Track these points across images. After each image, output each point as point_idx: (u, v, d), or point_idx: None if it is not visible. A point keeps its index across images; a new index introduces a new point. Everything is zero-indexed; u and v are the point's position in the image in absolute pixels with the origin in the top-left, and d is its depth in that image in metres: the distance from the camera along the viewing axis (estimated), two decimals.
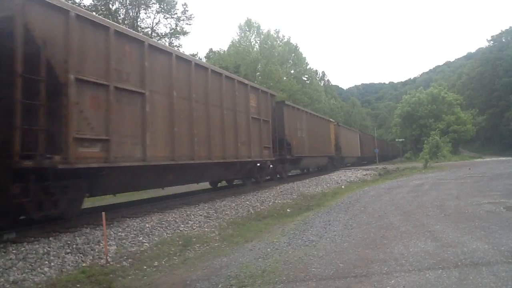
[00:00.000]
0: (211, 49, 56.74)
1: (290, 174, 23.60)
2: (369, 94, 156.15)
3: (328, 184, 18.53)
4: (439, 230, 6.89)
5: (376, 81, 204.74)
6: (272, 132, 16.58)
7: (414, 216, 8.50)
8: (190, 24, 40.52)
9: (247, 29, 51.84)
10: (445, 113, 51.81)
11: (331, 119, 30.05)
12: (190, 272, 5.42)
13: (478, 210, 8.70)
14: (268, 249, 6.31)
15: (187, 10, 33.78)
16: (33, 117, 6.38)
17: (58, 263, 5.63)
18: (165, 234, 7.69)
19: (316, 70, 73.76)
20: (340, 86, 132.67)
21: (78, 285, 4.99)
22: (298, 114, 20.71)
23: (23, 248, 5.90)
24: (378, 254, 5.59)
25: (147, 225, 7.96)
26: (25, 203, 6.37)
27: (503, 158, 37.19)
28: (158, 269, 5.74)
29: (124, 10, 31.34)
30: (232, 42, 51.64)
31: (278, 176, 18.80)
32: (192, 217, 9.21)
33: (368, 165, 38.51)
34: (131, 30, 9.74)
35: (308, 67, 60.07)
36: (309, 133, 21.94)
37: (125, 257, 6.18)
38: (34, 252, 5.80)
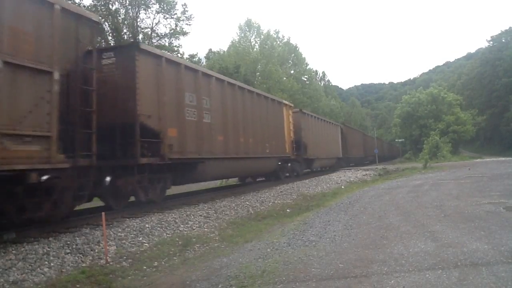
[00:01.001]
0: (211, 49, 56.82)
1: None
2: (369, 94, 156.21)
3: (328, 185, 18.55)
4: (439, 230, 6.89)
5: (376, 81, 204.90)
6: (71, 103, 7.20)
7: (414, 217, 8.49)
8: (189, 25, 40.62)
9: (247, 29, 51.94)
10: (445, 114, 51.78)
11: (285, 101, 20.04)
12: (190, 273, 5.42)
13: (478, 210, 8.69)
14: (268, 250, 6.31)
15: (187, 11, 33.64)
16: None
17: (58, 263, 5.63)
18: (164, 234, 7.69)
19: (316, 71, 73.97)
20: (340, 86, 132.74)
21: (78, 286, 4.99)
22: (192, 78, 11.17)
23: (22, 249, 5.90)
24: (378, 254, 5.59)
25: (146, 225, 7.96)
26: None
27: (503, 158, 37.17)
28: (158, 269, 5.75)
29: (124, 11, 31.31)
30: (232, 42, 51.81)
31: (128, 200, 9.85)
32: (192, 217, 9.22)
33: (353, 167, 32.35)
34: None
35: (308, 67, 60.24)
36: (227, 118, 12.88)
37: (125, 257, 6.18)
38: (33, 252, 5.80)
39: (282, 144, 18.18)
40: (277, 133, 17.63)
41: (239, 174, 16.93)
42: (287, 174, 20.10)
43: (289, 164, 19.95)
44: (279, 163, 18.06)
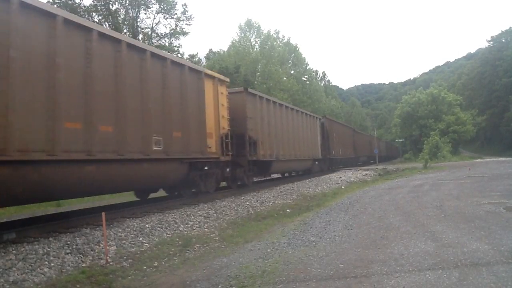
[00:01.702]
0: (211, 49, 56.90)
1: None
2: (369, 94, 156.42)
3: (328, 185, 18.54)
4: (439, 230, 6.89)
5: (376, 82, 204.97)
6: None
7: (414, 217, 8.49)
8: (190, 25, 40.67)
9: (247, 30, 51.97)
10: (445, 114, 51.84)
11: (208, 71, 12.86)
12: (190, 273, 5.42)
13: (478, 210, 8.70)
14: (268, 250, 6.31)
15: (187, 11, 33.78)
16: None
17: (58, 263, 5.63)
18: (165, 234, 7.68)
19: (317, 71, 73.95)
20: (340, 87, 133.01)
21: (78, 286, 4.99)
22: None
23: (23, 249, 5.90)
24: (378, 254, 5.59)
25: (147, 225, 7.96)
26: None
27: (503, 159, 37.19)
28: (158, 269, 5.74)
29: (124, 11, 31.37)
30: (232, 42, 51.84)
31: None
32: (192, 217, 9.21)
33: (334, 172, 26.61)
34: None
35: (308, 67, 60.26)
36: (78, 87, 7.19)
37: (125, 257, 6.18)
38: (34, 252, 5.80)
39: (200, 139, 11.48)
40: (188, 120, 10.81)
41: (71, 193, 8.53)
42: (224, 184, 14.40)
43: (228, 170, 13.34)
44: (206, 167, 11.83)
